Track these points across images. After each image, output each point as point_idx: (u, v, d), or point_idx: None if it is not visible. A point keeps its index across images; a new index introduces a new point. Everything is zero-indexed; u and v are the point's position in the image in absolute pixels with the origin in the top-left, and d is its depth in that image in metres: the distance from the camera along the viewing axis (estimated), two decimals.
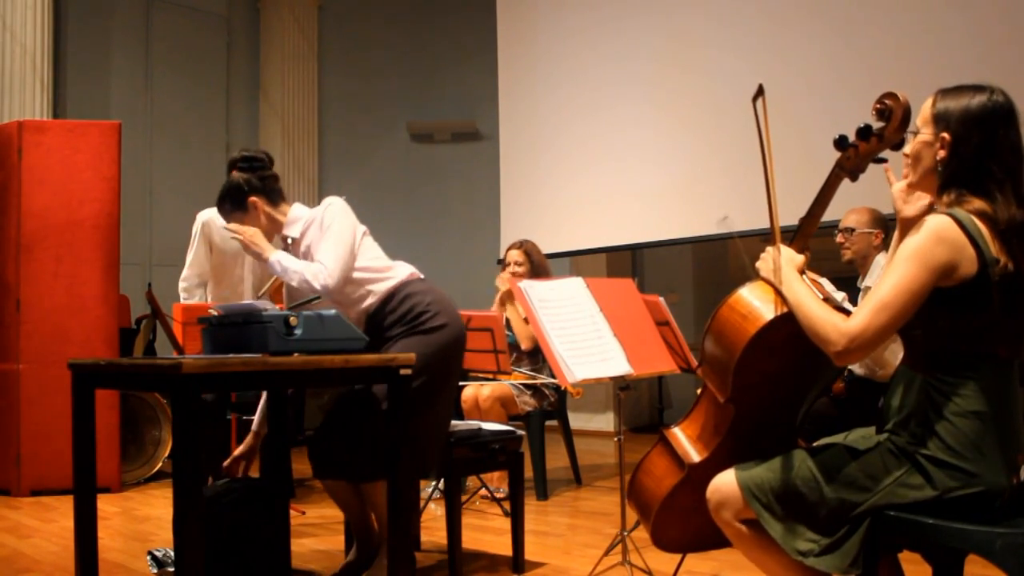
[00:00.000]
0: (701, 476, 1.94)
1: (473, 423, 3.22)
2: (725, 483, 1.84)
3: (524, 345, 4.41)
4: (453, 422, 3.22)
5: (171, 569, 2.87)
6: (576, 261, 7.01)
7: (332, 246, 2.66)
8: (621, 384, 2.92)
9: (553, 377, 3.85)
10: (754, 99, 1.94)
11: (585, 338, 2.84)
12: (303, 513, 4.00)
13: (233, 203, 2.78)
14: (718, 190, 5.55)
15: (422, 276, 2.87)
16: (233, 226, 2.73)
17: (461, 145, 8.28)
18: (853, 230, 3.49)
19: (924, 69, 4.65)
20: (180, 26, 7.46)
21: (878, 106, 1.83)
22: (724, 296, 1.94)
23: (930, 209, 1.78)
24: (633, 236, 6.17)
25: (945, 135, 1.69)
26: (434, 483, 4.09)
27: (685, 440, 2.05)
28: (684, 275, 7.25)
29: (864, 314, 1.64)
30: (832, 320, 1.68)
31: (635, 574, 2.83)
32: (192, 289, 4.45)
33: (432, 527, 3.59)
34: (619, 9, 6.32)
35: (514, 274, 4.52)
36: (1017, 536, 1.53)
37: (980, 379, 1.66)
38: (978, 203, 1.65)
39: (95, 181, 4.67)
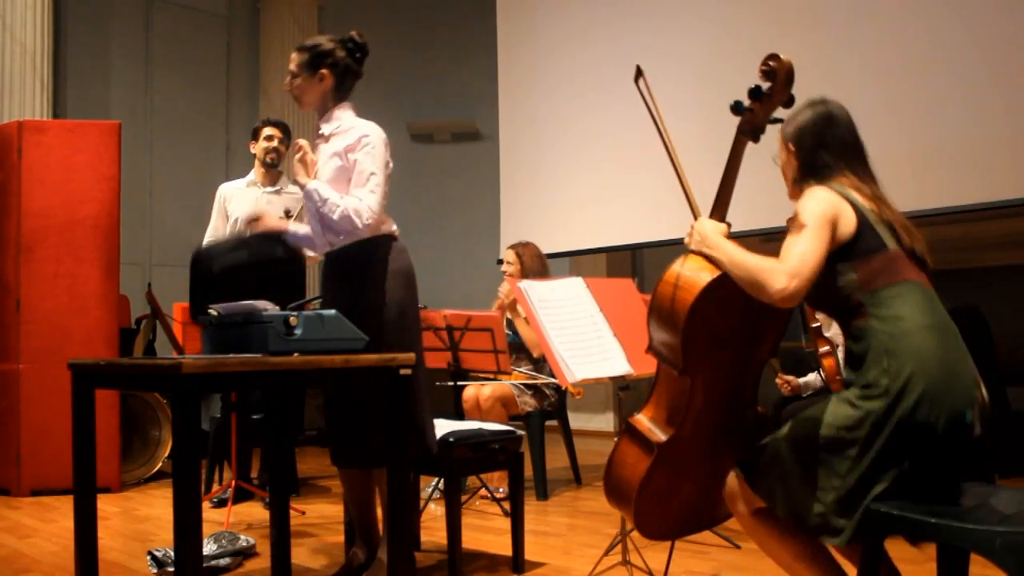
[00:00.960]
0: (672, 455, 2.01)
1: (473, 423, 3.22)
2: (731, 477, 1.96)
3: (535, 353, 4.42)
4: (453, 422, 3.23)
5: (171, 569, 2.87)
6: (576, 261, 7.00)
7: (379, 184, 2.69)
8: (621, 384, 2.92)
9: (553, 377, 3.86)
10: (635, 80, 2.18)
11: (585, 338, 2.84)
12: (303, 513, 4.00)
13: (312, 59, 2.80)
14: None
15: None
16: (303, 142, 2.78)
17: (461, 145, 8.28)
18: None
19: (923, 68, 4.66)
20: (180, 26, 7.46)
21: (764, 68, 2.05)
22: None
23: None
24: (633, 236, 6.17)
25: (790, 146, 2.06)
26: (434, 483, 4.09)
27: (649, 423, 2.11)
28: None
29: (793, 251, 1.84)
30: (769, 264, 1.85)
31: (635, 574, 2.83)
32: None
33: (432, 527, 3.59)
34: (619, 10, 6.32)
35: (504, 273, 4.55)
36: (1017, 535, 1.53)
37: (902, 302, 1.85)
38: (821, 185, 1.97)
39: (95, 181, 4.67)
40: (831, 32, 5.27)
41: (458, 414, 4.30)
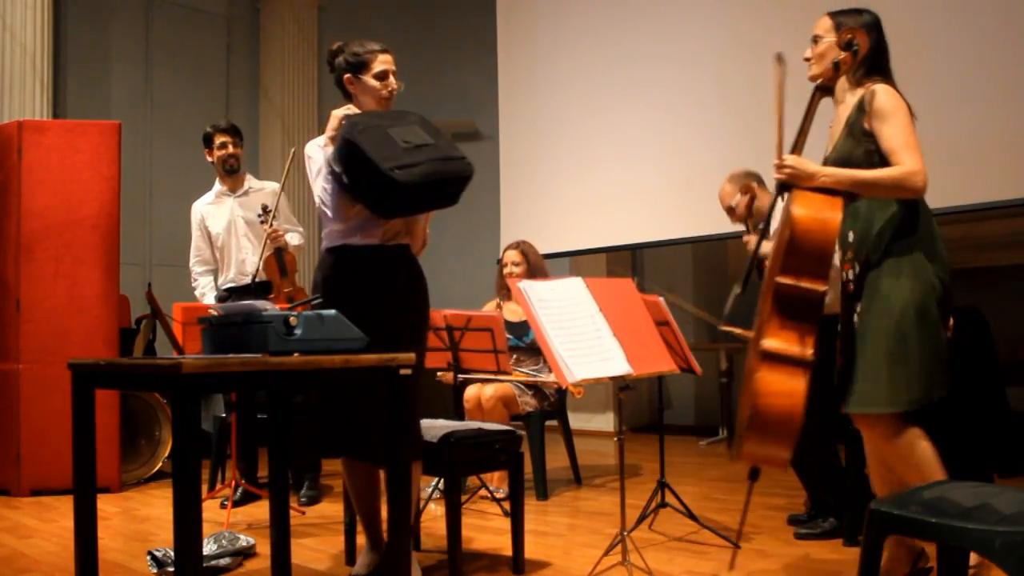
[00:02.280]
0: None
1: (474, 423, 3.22)
2: None
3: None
4: (453, 422, 3.22)
5: (171, 569, 2.87)
6: (576, 261, 7.00)
7: None
8: (621, 384, 2.92)
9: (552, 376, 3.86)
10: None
11: (585, 338, 2.84)
12: (303, 513, 4.00)
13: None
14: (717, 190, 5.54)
15: None
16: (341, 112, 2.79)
17: (461, 145, 8.23)
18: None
19: (924, 68, 4.66)
20: (180, 26, 7.46)
21: (847, 35, 2.44)
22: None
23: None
24: (633, 236, 6.17)
25: (859, 35, 2.40)
26: (434, 483, 4.09)
27: (789, 345, 2.25)
28: (684, 275, 7.24)
29: (905, 151, 2.32)
30: (895, 170, 2.32)
31: (635, 574, 2.83)
32: (197, 277, 4.59)
33: (432, 527, 3.59)
34: (619, 10, 6.32)
35: (511, 274, 4.53)
36: (1017, 535, 1.53)
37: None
38: (884, 80, 2.46)
39: (95, 181, 4.67)
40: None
41: (458, 414, 4.30)
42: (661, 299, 3.36)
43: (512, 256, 4.63)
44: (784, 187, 2.45)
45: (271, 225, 4.31)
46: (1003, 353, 4.06)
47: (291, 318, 2.20)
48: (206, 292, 4.55)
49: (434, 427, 3.00)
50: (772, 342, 2.21)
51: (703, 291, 7.14)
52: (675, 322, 3.35)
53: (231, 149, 4.50)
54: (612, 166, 6.27)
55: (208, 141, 4.54)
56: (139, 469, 4.85)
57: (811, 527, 3.39)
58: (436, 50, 8.27)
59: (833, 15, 2.55)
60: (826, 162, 2.49)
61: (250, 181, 4.64)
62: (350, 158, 2.53)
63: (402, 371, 2.35)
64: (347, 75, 2.85)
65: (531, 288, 2.92)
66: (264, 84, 7.96)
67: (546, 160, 6.76)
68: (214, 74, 7.73)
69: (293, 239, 4.52)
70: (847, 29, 2.42)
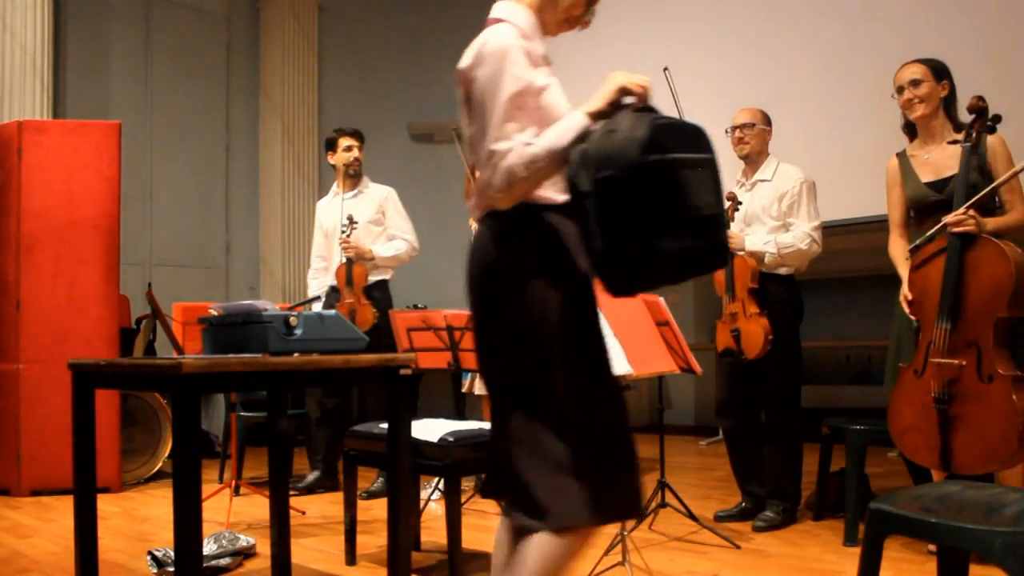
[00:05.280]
0: None
1: (474, 423, 3.22)
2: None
3: None
4: (453, 422, 3.22)
5: (171, 569, 2.87)
6: None
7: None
8: (621, 384, 2.92)
9: None
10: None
11: None
12: (303, 513, 4.00)
13: None
14: None
15: None
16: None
17: (461, 145, 8.27)
18: (753, 125, 3.69)
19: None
20: (180, 26, 7.46)
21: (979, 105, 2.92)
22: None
23: None
24: None
25: (946, 84, 3.11)
26: (434, 483, 4.09)
27: (1013, 367, 2.70)
28: None
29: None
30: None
31: (635, 574, 2.83)
32: (315, 274, 4.80)
33: (432, 527, 3.59)
34: (619, 10, 6.31)
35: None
36: (1017, 536, 1.53)
37: None
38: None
39: (95, 181, 4.67)
40: (832, 32, 5.27)
41: (458, 414, 4.30)
42: (661, 299, 3.36)
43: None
44: (967, 237, 2.79)
45: (348, 235, 4.43)
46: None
47: (291, 318, 2.20)
48: (316, 290, 4.70)
49: (434, 427, 3.00)
50: (1009, 368, 2.68)
51: (703, 291, 7.13)
52: (675, 322, 3.35)
53: (356, 153, 4.59)
54: None
55: (332, 144, 4.64)
56: (139, 469, 4.85)
57: (767, 519, 3.52)
58: (436, 50, 8.26)
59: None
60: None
61: (366, 184, 4.71)
62: (644, 190, 1.63)
63: (402, 371, 2.35)
64: None
65: None
66: (264, 84, 7.96)
67: None
68: (214, 74, 7.73)
69: (383, 251, 4.57)
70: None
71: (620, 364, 2.81)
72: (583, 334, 1.81)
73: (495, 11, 1.97)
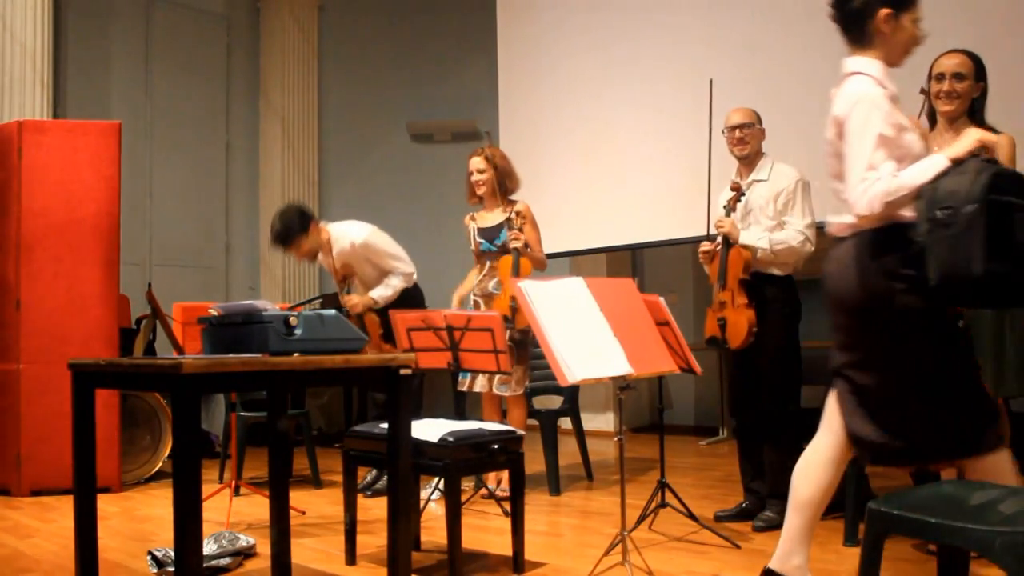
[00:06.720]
0: None
1: (474, 423, 3.22)
2: None
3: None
4: (453, 422, 3.22)
5: (171, 569, 2.87)
6: (576, 261, 7.00)
7: None
8: (621, 384, 2.92)
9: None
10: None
11: (585, 338, 2.83)
12: (303, 513, 4.00)
13: None
14: (718, 191, 5.54)
15: None
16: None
17: (461, 145, 8.27)
18: (752, 125, 3.70)
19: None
20: (180, 26, 7.46)
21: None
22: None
23: None
24: (633, 236, 6.17)
25: (979, 85, 3.04)
26: (434, 483, 4.09)
27: None
28: (684, 275, 7.24)
29: None
30: None
31: (635, 574, 2.83)
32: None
33: (432, 527, 3.59)
34: (619, 10, 6.32)
35: (478, 183, 4.41)
36: (1017, 535, 1.53)
37: None
38: None
39: (95, 181, 4.67)
40: (832, 31, 5.26)
41: (458, 414, 4.30)
42: (661, 299, 3.36)
43: (476, 163, 4.43)
44: None
45: (347, 292, 4.54)
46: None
47: (291, 318, 2.20)
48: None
49: (433, 427, 3.00)
50: None
51: (703, 291, 7.14)
52: (675, 322, 3.35)
53: (296, 254, 4.64)
54: (612, 166, 6.26)
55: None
56: (139, 469, 4.85)
57: (767, 519, 3.51)
58: (436, 50, 8.27)
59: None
60: None
61: (334, 250, 4.63)
62: (983, 221, 1.99)
63: (402, 371, 2.35)
64: (885, 10, 2.24)
65: (531, 288, 2.91)
66: (264, 84, 7.96)
67: (546, 160, 6.75)
68: (214, 74, 7.73)
69: (383, 293, 4.60)
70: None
71: (620, 364, 2.81)
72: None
73: (850, 65, 2.34)
